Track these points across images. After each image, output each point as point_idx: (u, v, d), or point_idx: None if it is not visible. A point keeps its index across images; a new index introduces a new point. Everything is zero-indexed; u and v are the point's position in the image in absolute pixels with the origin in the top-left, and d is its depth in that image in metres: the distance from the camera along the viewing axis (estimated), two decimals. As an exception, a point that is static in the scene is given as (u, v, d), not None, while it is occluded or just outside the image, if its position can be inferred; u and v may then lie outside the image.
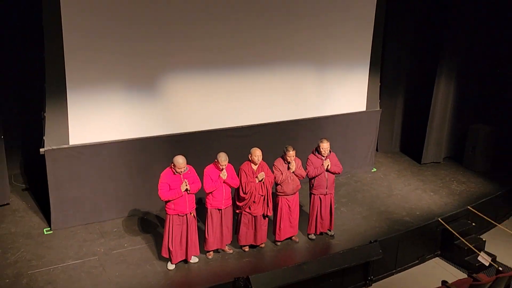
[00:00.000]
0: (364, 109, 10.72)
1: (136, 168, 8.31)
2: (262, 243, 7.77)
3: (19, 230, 7.72)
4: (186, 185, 6.73)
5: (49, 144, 7.44)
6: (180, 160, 6.74)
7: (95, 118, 7.86)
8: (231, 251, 7.64)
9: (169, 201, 6.77)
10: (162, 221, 7.80)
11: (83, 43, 7.46)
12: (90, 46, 7.54)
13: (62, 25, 7.18)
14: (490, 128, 11.37)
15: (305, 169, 7.81)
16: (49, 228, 7.80)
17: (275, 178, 7.54)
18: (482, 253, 8.36)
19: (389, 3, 10.45)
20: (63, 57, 7.33)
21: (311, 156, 7.89)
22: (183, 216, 6.90)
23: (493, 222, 9.63)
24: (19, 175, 9.12)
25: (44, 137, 7.41)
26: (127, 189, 8.37)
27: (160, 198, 6.82)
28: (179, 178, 6.74)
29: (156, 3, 7.91)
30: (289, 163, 7.54)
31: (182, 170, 6.75)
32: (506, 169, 11.26)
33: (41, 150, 7.39)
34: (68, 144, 7.64)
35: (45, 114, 7.40)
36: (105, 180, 8.11)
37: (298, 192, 7.82)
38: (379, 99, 10.93)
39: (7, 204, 8.30)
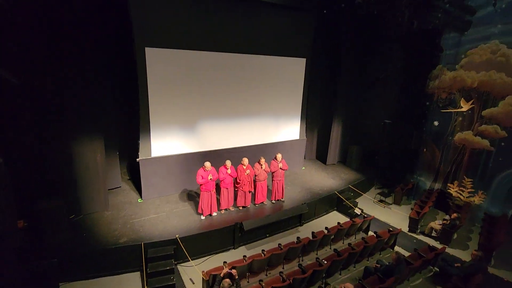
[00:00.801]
0: (298, 138, 10.66)
1: (185, 167, 8.21)
2: (248, 205, 7.82)
3: (126, 200, 7.68)
4: (210, 177, 6.86)
5: (141, 156, 7.49)
6: (207, 164, 6.88)
7: (164, 142, 7.82)
8: (233, 209, 7.66)
9: (201, 184, 6.88)
10: (197, 194, 7.78)
11: (158, 102, 7.49)
12: (162, 103, 7.55)
13: (148, 90, 7.27)
14: (359, 147, 11.42)
15: (269, 168, 7.89)
16: (141, 199, 7.76)
17: (255, 172, 7.65)
18: (356, 208, 8.57)
19: (310, 83, 10.40)
20: (149, 111, 7.40)
21: (272, 161, 7.95)
22: (209, 192, 6.99)
23: (361, 192, 9.81)
24: (126, 172, 8.98)
25: (139, 153, 7.46)
26: (180, 178, 8.24)
27: (197, 183, 6.92)
28: (207, 173, 6.84)
29: (195, 86, 7.97)
30: (261, 165, 7.70)
31: (209, 168, 6.87)
32: (366, 168, 11.27)
33: (137, 159, 7.44)
34: (151, 156, 7.65)
35: (139, 141, 7.46)
36: (169, 174, 8.01)
37: (266, 180, 7.90)
38: (305, 132, 10.88)
39: (120, 186, 8.21)
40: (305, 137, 10.90)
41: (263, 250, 6.00)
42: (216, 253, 6.75)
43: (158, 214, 7.16)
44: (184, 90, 7.85)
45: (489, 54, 8.13)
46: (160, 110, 7.59)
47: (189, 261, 6.15)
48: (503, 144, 8.10)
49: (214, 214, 7.30)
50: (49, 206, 5.93)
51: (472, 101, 8.64)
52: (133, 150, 7.87)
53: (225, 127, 8.88)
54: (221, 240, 6.80)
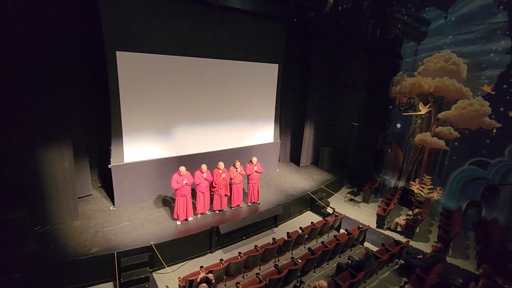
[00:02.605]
0: (272, 141, 10.75)
1: (160, 173, 7.97)
2: (225, 208, 7.77)
3: (97, 208, 7.31)
4: (186, 181, 6.74)
5: (113, 162, 7.18)
6: (182, 168, 6.77)
7: (137, 147, 7.56)
8: (209, 213, 7.57)
9: (176, 189, 6.74)
10: (173, 200, 7.59)
11: (130, 107, 7.25)
12: (135, 107, 7.31)
13: (120, 95, 7.00)
14: (330, 149, 11.76)
15: (245, 171, 7.90)
16: (113, 206, 7.43)
17: (230, 176, 7.61)
18: (328, 207, 8.78)
19: (283, 88, 10.58)
20: (120, 116, 7.14)
21: (248, 164, 7.99)
22: (184, 197, 6.87)
23: (333, 192, 10.14)
24: (97, 179, 8.55)
25: (110, 159, 7.15)
26: (155, 184, 7.99)
27: (172, 188, 6.78)
28: (182, 177, 6.72)
29: (169, 91, 7.80)
30: (237, 168, 7.68)
31: (184, 173, 6.76)
32: (337, 168, 11.63)
33: (109, 166, 7.14)
34: (123, 162, 7.37)
35: (111, 147, 7.16)
36: (143, 180, 7.73)
37: (242, 183, 7.88)
38: (279, 136, 11.01)
39: (90, 194, 7.80)
40: (279, 140, 11.02)
41: (239, 253, 5.97)
42: (193, 258, 6.61)
43: (132, 221, 6.88)
44: (158, 94, 7.66)
45: (442, 62, 8.81)
46: (132, 115, 7.34)
47: (165, 268, 5.97)
48: (456, 144, 8.78)
49: (190, 219, 7.16)
50: (10, 217, 5.48)
51: (429, 105, 9.29)
52: (105, 156, 7.53)
53: (200, 132, 8.76)
54: (197, 245, 6.67)
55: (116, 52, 6.75)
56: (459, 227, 7.61)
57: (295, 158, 12.00)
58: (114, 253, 5.65)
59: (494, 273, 5.42)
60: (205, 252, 6.80)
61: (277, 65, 10.09)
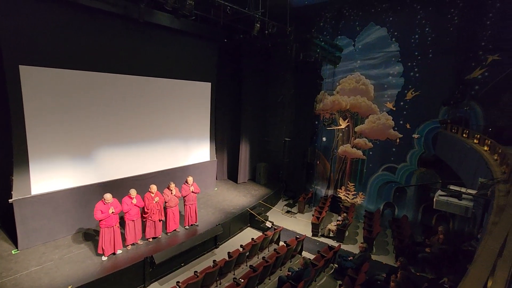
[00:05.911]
0: (209, 159, 10.57)
1: (79, 203, 6.95)
2: (159, 235, 7.19)
3: (-9, 254, 5.90)
4: (112, 210, 6.05)
5: (16, 196, 5.98)
6: (108, 196, 6.08)
7: (49, 175, 6.50)
8: (141, 243, 6.90)
9: (100, 220, 5.99)
10: (97, 232, 6.63)
11: (40, 129, 6.26)
12: (46, 130, 6.34)
13: (24, 115, 6.01)
14: (265, 164, 12.07)
15: (180, 192, 7.54)
16: (16, 249, 6.11)
17: (164, 199, 7.14)
18: (267, 222, 8.91)
19: (217, 106, 10.60)
20: (26, 139, 6.08)
21: (183, 185, 7.63)
22: (111, 227, 6.13)
23: (270, 206, 10.34)
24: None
25: (12, 192, 5.94)
26: (74, 217, 6.92)
27: (95, 219, 5.99)
28: (108, 206, 6.02)
29: (90, 110, 7.03)
30: (171, 190, 7.28)
31: (110, 201, 6.08)
32: (273, 183, 11.97)
33: (10, 200, 5.91)
34: (31, 194, 6.21)
35: (12, 177, 5.98)
36: (57, 213, 6.62)
37: (177, 205, 7.46)
38: (216, 153, 10.91)
39: (-18, 238, 6.31)
40: (215, 159, 10.88)
41: (178, 282, 5.51)
42: (123, 297, 5.83)
43: (43, 264, 5.76)
44: (76, 114, 6.83)
45: (354, 82, 10.14)
46: (42, 138, 6.33)
47: (88, 314, 5.11)
48: (371, 153, 10.06)
49: (119, 252, 6.38)
50: None
51: (347, 119, 10.49)
52: (4, 189, 6.23)
53: (128, 154, 8.06)
54: (128, 281, 5.91)
55: (20, 66, 5.81)
56: (379, 226, 8.58)
57: (232, 175, 11.95)
58: (17, 308, 4.59)
59: (408, 264, 6.20)
60: (138, 288, 6.09)
61: (209, 83, 10.11)
